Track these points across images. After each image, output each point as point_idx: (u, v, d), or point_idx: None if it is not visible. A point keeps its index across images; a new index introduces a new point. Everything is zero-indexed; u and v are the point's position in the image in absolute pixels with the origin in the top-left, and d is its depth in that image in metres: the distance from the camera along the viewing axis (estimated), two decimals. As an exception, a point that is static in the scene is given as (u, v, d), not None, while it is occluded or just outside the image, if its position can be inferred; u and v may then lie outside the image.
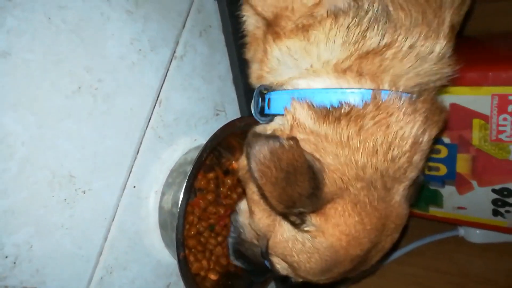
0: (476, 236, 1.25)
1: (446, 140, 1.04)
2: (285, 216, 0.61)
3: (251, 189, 0.68)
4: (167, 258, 0.87)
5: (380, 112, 0.57)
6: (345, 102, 0.57)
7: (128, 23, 0.78)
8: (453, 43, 0.65)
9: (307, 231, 0.60)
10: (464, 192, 1.06)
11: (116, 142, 0.77)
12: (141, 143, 0.81)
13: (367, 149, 0.56)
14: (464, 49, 0.82)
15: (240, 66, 0.96)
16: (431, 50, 0.61)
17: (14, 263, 0.65)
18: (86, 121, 0.73)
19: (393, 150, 0.57)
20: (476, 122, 1.00)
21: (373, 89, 0.58)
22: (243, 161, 0.72)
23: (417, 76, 0.61)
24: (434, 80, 0.63)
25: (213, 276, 0.88)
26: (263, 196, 0.56)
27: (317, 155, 0.57)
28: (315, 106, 0.59)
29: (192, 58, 0.90)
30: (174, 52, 0.87)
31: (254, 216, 0.68)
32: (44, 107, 0.67)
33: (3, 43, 0.62)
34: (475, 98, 1.00)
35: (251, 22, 0.74)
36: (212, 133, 0.80)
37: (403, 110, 0.57)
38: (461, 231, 1.27)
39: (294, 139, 0.52)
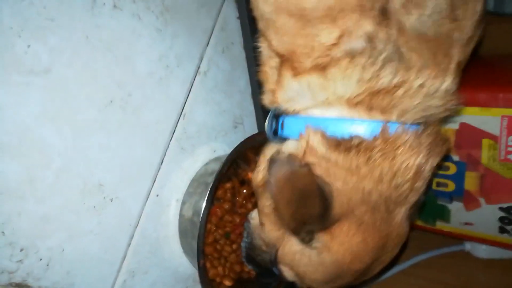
0: (482, 251, 1.26)
1: (455, 157, 1.06)
2: (295, 233, 0.66)
3: (263, 203, 0.73)
4: (185, 264, 0.91)
5: (387, 146, 0.62)
6: (355, 135, 0.63)
7: (157, 40, 0.82)
8: (459, 78, 0.69)
9: (314, 248, 0.65)
10: (472, 209, 1.07)
11: (143, 153, 0.81)
12: (165, 154, 0.85)
13: (373, 177, 0.61)
14: (475, 70, 0.84)
15: (258, 82, 1.00)
16: (438, 88, 0.65)
17: (48, 265, 0.69)
18: (116, 133, 0.77)
19: (397, 178, 0.62)
20: (485, 142, 1.01)
21: (382, 122, 0.63)
22: (257, 176, 0.77)
23: (423, 111, 0.66)
24: (438, 113, 0.68)
25: (227, 282, 0.91)
26: (277, 212, 0.62)
27: (327, 180, 0.62)
28: (327, 136, 0.64)
29: (215, 74, 0.94)
30: (199, 68, 0.91)
31: (264, 227, 0.73)
32: (79, 120, 0.71)
33: (46, 60, 0.66)
34: (484, 118, 1.01)
35: (265, 53, 0.78)
36: (231, 145, 0.84)
37: (408, 144, 0.62)
38: (467, 246, 1.28)
39: (307, 165, 0.58)
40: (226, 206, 0.96)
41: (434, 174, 0.68)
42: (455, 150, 1.06)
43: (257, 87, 1.00)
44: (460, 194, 1.08)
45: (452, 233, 1.15)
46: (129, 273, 0.81)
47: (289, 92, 0.71)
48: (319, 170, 0.62)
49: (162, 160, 0.85)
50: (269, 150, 0.77)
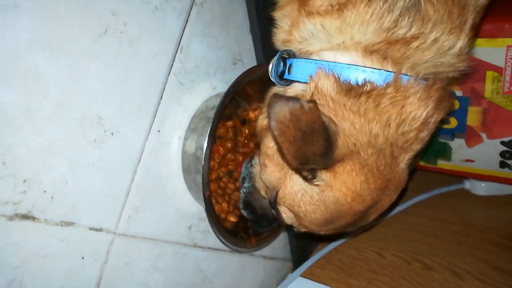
0: (481, 188, 1.29)
1: (458, 93, 1.05)
2: (297, 171, 0.66)
3: (266, 145, 0.72)
4: (190, 201, 0.91)
5: (398, 94, 0.62)
6: (369, 81, 0.62)
7: (150, -34, 0.78)
8: (473, 41, 0.70)
9: (316, 185, 0.65)
10: (473, 145, 1.08)
11: (141, 87, 0.79)
12: (164, 88, 0.83)
13: (381, 121, 0.62)
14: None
15: (257, 15, 0.96)
16: (453, 45, 0.66)
17: (52, 197, 0.68)
18: (113, 64, 0.74)
19: (404, 125, 0.63)
20: (489, 74, 1.00)
21: (395, 72, 0.63)
22: (260, 119, 0.77)
23: (434, 66, 0.66)
24: (448, 71, 0.68)
25: (232, 218, 0.92)
26: (280, 151, 0.61)
27: (334, 119, 0.61)
28: (341, 80, 0.63)
29: (211, 5, 0.90)
30: (195, -2, 0.87)
31: (266, 169, 0.73)
32: (74, 49, 0.68)
33: (34, -18, 0.62)
34: (489, 50, 0.99)
35: None
36: (231, 80, 0.82)
37: (418, 95, 0.63)
38: (467, 184, 1.31)
39: (313, 102, 0.56)
40: (229, 144, 0.95)
41: (438, 127, 0.69)
42: (458, 84, 1.05)
43: (256, 21, 0.96)
44: (462, 130, 1.08)
45: (453, 171, 1.16)
46: (133, 209, 0.81)
47: (305, 32, 0.70)
48: (326, 110, 0.62)
49: (162, 95, 0.83)
50: (276, 90, 0.76)
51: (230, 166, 0.96)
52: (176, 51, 0.84)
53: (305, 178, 0.66)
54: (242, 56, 0.99)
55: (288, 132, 0.54)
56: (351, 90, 0.62)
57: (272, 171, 0.72)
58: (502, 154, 1.05)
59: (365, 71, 0.64)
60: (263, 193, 0.80)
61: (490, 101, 1.01)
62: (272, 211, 0.76)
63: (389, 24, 0.63)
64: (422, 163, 1.20)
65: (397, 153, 0.65)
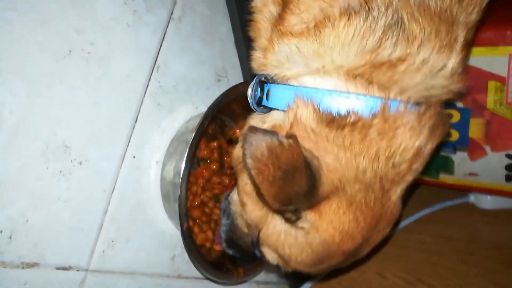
0: (487, 202, 1.23)
1: (459, 104, 1.01)
2: (279, 213, 0.62)
3: (244, 181, 0.68)
4: (171, 230, 0.85)
5: (387, 125, 0.57)
6: (352, 112, 0.57)
7: (120, -20, 0.72)
8: (466, 59, 0.65)
9: (300, 227, 0.60)
10: (477, 158, 1.03)
11: (113, 110, 0.73)
12: (139, 111, 0.77)
13: (369, 155, 0.57)
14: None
15: (242, 28, 0.91)
16: (443, 66, 0.60)
17: (10, 237, 0.62)
18: (79, 87, 0.68)
19: (394, 158, 0.58)
20: (491, 84, 0.96)
21: (381, 98, 0.57)
22: (236, 150, 0.71)
23: (426, 90, 0.61)
24: (441, 94, 0.63)
25: (218, 247, 0.86)
26: (258, 193, 0.56)
27: (316, 153, 0.56)
28: (320, 110, 0.58)
29: (192, 20, 0.85)
30: (172, 13, 0.81)
31: (246, 207, 0.68)
32: (32, 73, 0.63)
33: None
34: (491, 59, 0.95)
35: None
36: (215, 98, 0.76)
37: (409, 125, 0.58)
38: (472, 198, 1.25)
39: (293, 137, 0.52)
40: (214, 166, 0.90)
41: (432, 156, 0.64)
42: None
43: (240, 35, 0.91)
44: (464, 143, 1.03)
45: (456, 185, 1.11)
46: (107, 242, 0.75)
47: (280, 56, 0.64)
48: (307, 143, 0.57)
49: (136, 118, 0.77)
50: (253, 121, 0.71)
51: (216, 190, 0.90)
52: (152, 70, 0.79)
53: (288, 220, 0.61)
54: (227, 72, 0.94)
55: (266, 171, 0.49)
56: (332, 121, 0.57)
57: (252, 210, 0.67)
58: (508, 167, 1.00)
59: (348, 97, 0.58)
60: (245, 230, 0.74)
61: (493, 112, 0.97)
62: (255, 251, 0.70)
63: (372, 45, 0.57)
64: (424, 177, 1.15)
65: (388, 186, 0.60)
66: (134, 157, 0.77)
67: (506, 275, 1.03)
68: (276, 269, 0.73)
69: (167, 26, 0.81)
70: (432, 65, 0.59)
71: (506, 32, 0.93)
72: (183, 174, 0.71)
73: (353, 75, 0.59)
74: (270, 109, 0.67)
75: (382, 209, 0.60)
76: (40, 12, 0.62)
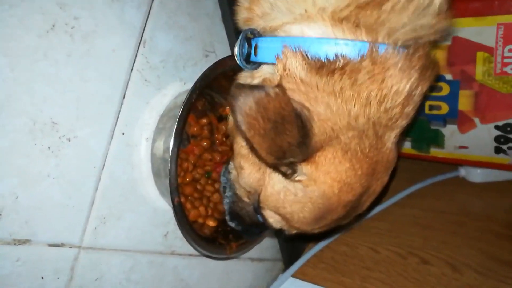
0: (477, 175, 1.24)
1: (448, 76, 1.00)
2: (275, 168, 0.61)
3: (239, 144, 0.67)
4: (164, 207, 0.85)
5: (376, 67, 0.56)
6: (341, 55, 0.55)
7: (102, -47, 0.71)
8: None
9: (298, 181, 0.60)
10: (466, 131, 1.03)
11: (100, 86, 0.72)
12: (127, 87, 0.76)
13: (360, 100, 0.56)
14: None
15: (229, 2, 0.89)
16: (430, 2, 0.59)
17: (0, 214, 0.62)
18: (64, 63, 0.67)
19: (386, 102, 0.57)
20: (480, 55, 0.96)
21: (369, 42, 0.56)
22: (230, 116, 0.70)
23: (414, 30, 0.60)
24: (429, 34, 0.62)
25: (211, 223, 0.86)
26: (252, 149, 0.55)
27: (307, 104, 0.55)
28: (309, 57, 0.56)
29: (177, -7, 0.83)
30: (157, -14, 0.80)
31: (243, 171, 0.67)
32: (16, 48, 0.62)
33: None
34: (479, 29, 0.95)
35: None
36: (201, 73, 0.75)
37: (399, 66, 0.56)
38: (462, 172, 1.26)
39: (280, 86, 0.50)
40: (204, 143, 0.89)
41: (424, 99, 0.63)
42: (448, 68, 1.00)
43: (227, 8, 0.90)
44: (454, 116, 1.03)
45: (446, 159, 1.11)
46: (99, 219, 0.74)
47: (264, 5, 0.62)
48: (297, 95, 0.56)
49: (124, 94, 0.76)
50: (242, 79, 0.69)
51: (208, 166, 0.90)
52: (139, 46, 0.78)
53: (285, 175, 0.60)
54: (215, 47, 0.93)
55: (256, 124, 0.48)
56: (322, 67, 0.55)
57: (249, 173, 0.66)
58: (497, 139, 1.00)
59: (337, 44, 0.56)
60: (246, 199, 0.74)
61: (482, 83, 0.96)
62: (258, 216, 0.70)
63: None
64: (414, 152, 1.15)
65: (382, 132, 0.59)
66: (123, 133, 0.76)
67: (496, 246, 1.04)
68: (276, 234, 0.72)
69: (152, 1, 0.79)
70: (418, 2, 0.57)
71: (494, 1, 0.92)
72: (172, 149, 0.71)
73: (339, 18, 0.57)
74: (259, 64, 0.66)
75: (377, 155, 0.59)
76: (19, -15, 0.61)
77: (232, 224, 0.79)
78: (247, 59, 0.66)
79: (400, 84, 0.57)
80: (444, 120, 1.05)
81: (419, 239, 1.11)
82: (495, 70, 0.94)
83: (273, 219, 0.68)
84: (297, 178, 0.59)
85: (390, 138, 0.61)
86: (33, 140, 0.64)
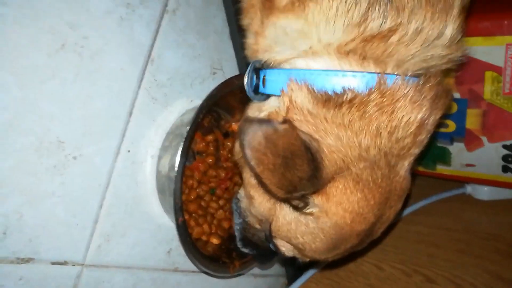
0: (484, 193, 1.23)
1: (456, 95, 1.00)
2: (286, 201, 0.61)
3: (248, 174, 0.66)
4: (167, 224, 0.84)
5: (385, 99, 0.55)
6: (348, 88, 0.55)
7: (112, -27, 0.71)
8: (464, 25, 0.61)
9: (310, 213, 0.59)
10: (474, 149, 1.03)
11: (107, 104, 0.73)
12: (133, 105, 0.77)
13: (370, 132, 0.55)
14: (477, -3, 0.77)
15: (237, 20, 0.89)
16: (440, 34, 0.58)
17: (4, 233, 0.62)
18: (72, 82, 0.68)
19: (397, 132, 0.56)
20: (488, 74, 0.95)
21: (378, 73, 0.55)
22: (237, 145, 0.70)
23: (424, 61, 0.59)
24: (440, 64, 0.61)
25: (215, 241, 0.86)
26: (261, 183, 0.54)
27: (316, 136, 0.55)
28: (315, 91, 0.56)
29: (186, 12, 0.84)
30: (166, 5, 0.80)
31: (254, 201, 0.67)
32: (25, 68, 0.62)
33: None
34: (488, 49, 0.94)
35: None
36: (209, 92, 0.75)
37: (409, 97, 0.55)
38: (468, 189, 1.25)
39: (288, 121, 0.50)
40: (209, 160, 0.89)
41: (437, 128, 0.62)
42: (456, 86, 1.00)
43: (235, 27, 0.90)
44: (461, 134, 1.02)
45: (453, 176, 1.11)
46: (103, 236, 0.74)
47: (269, 39, 0.63)
48: (305, 126, 0.55)
49: (131, 112, 0.76)
50: (251, 111, 0.70)
51: (212, 183, 0.90)
52: (147, 64, 0.78)
53: (296, 208, 0.60)
54: (222, 64, 0.93)
55: (266, 159, 0.48)
56: (329, 100, 0.55)
57: (260, 202, 0.65)
58: (505, 158, 1.00)
59: (344, 76, 0.56)
60: (257, 226, 0.73)
61: (490, 102, 0.96)
62: (270, 245, 0.69)
63: (359, 17, 0.54)
64: (420, 168, 1.15)
65: (394, 161, 0.58)
66: (129, 151, 0.77)
67: (503, 266, 1.02)
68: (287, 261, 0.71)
69: (161, 19, 0.79)
70: (427, 34, 0.57)
71: (503, 21, 0.92)
72: (178, 167, 0.70)
73: (345, 52, 0.57)
74: (268, 96, 0.66)
75: (390, 184, 0.58)
76: (32, 6, 0.62)
77: (245, 251, 0.78)
78: (255, 90, 0.66)
79: (411, 115, 0.56)
80: (451, 138, 1.04)
81: (424, 257, 1.10)
82: (504, 89, 0.94)
83: (285, 248, 0.67)
84: (308, 211, 0.59)
85: (404, 166, 0.60)
86: (39, 159, 0.65)
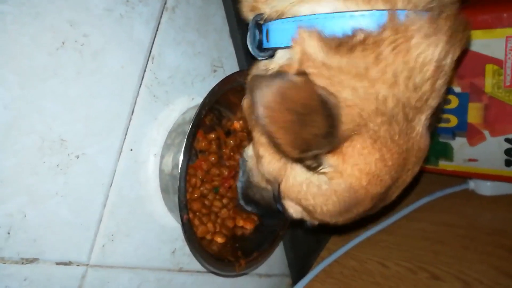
0: (487, 188, 1.23)
1: (457, 89, 1.00)
2: (299, 161, 0.57)
3: (259, 132, 0.63)
4: (171, 223, 0.84)
5: (399, 36, 0.50)
6: (359, 29, 0.51)
7: (112, -29, 0.71)
8: None
9: (323, 173, 0.56)
10: (476, 143, 1.03)
11: (109, 103, 0.72)
12: (135, 103, 0.76)
13: (387, 80, 0.50)
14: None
15: (237, 17, 0.90)
16: None
17: (8, 233, 0.61)
18: (74, 80, 0.67)
19: (415, 78, 0.51)
20: (489, 68, 0.95)
21: (388, 10, 0.50)
22: (246, 102, 0.67)
23: None
24: None
25: (219, 239, 0.85)
26: (274, 144, 0.50)
27: (332, 90, 0.50)
28: (325, 36, 0.52)
29: (185, 10, 0.83)
30: (165, 3, 0.80)
31: (263, 160, 0.63)
32: (26, 66, 0.61)
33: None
34: (488, 42, 0.94)
35: None
36: (210, 89, 0.75)
37: (423, 31, 0.50)
38: (471, 184, 1.25)
39: (304, 73, 0.47)
40: (212, 158, 0.89)
41: (455, 69, 0.57)
42: (457, 80, 0.99)
43: (235, 24, 0.90)
44: (463, 128, 1.02)
45: (455, 171, 1.10)
46: (108, 236, 0.74)
47: None
48: (321, 81, 0.51)
49: (133, 110, 0.76)
50: (257, 70, 0.65)
51: (215, 182, 0.89)
52: (147, 62, 0.78)
53: (309, 167, 0.56)
54: (223, 62, 0.92)
55: (280, 117, 0.45)
56: (340, 45, 0.50)
57: (269, 162, 0.62)
58: (507, 152, 1.00)
59: (352, 17, 0.51)
60: (263, 184, 0.70)
61: (491, 96, 0.96)
62: (277, 205, 0.66)
63: None
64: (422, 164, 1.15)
65: (412, 115, 0.53)
66: (131, 150, 0.76)
67: (509, 261, 1.02)
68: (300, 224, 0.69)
69: (161, 17, 0.79)
70: None
71: (503, 14, 0.92)
72: (181, 165, 0.70)
73: None
74: (273, 51, 0.61)
75: (408, 142, 0.54)
76: (32, 4, 0.61)
77: (248, 208, 0.76)
78: (259, 46, 0.62)
79: (427, 52, 0.51)
80: (453, 133, 1.04)
81: (429, 254, 1.09)
82: (505, 82, 0.94)
83: (294, 210, 0.65)
84: (322, 171, 0.56)
85: (421, 121, 0.55)
86: (42, 158, 0.64)
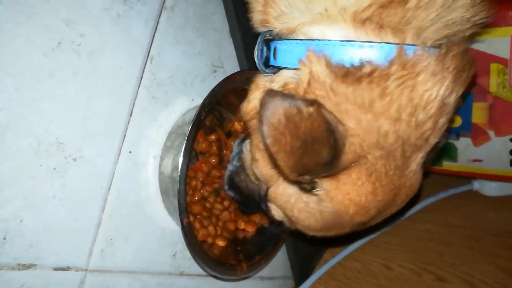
0: (491, 189, 1.22)
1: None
2: (294, 183, 0.58)
3: (258, 138, 0.63)
4: (172, 226, 0.82)
5: (406, 72, 0.50)
6: (367, 61, 0.51)
7: (109, -31, 0.70)
8: None
9: (314, 194, 0.57)
10: (480, 144, 1.02)
11: (106, 104, 0.71)
12: (134, 104, 0.75)
13: (390, 114, 0.51)
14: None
15: (237, 16, 0.88)
16: None
17: (4, 238, 0.60)
18: (71, 81, 0.66)
19: (418, 114, 0.52)
20: (493, 67, 0.94)
21: (397, 44, 0.51)
22: (247, 106, 0.67)
23: (445, 27, 0.54)
24: (464, 29, 0.56)
25: (221, 243, 0.83)
26: (273, 162, 0.51)
27: (339, 116, 0.51)
28: (333, 64, 0.52)
29: (184, 9, 0.82)
30: (164, 2, 0.78)
31: (257, 163, 0.64)
32: (21, 67, 0.60)
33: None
34: (492, 40, 0.93)
35: None
36: (211, 89, 0.74)
37: (430, 69, 0.51)
38: (476, 185, 1.24)
39: (315, 103, 0.46)
40: (213, 160, 0.87)
41: (457, 107, 0.57)
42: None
43: (235, 23, 0.88)
44: (467, 129, 1.01)
45: (460, 172, 1.09)
46: (107, 240, 0.72)
47: (281, 4, 0.58)
48: (329, 104, 0.51)
49: (131, 111, 0.74)
50: (261, 80, 0.65)
51: (216, 184, 0.88)
52: (146, 62, 0.76)
53: (302, 189, 0.57)
54: (223, 62, 0.91)
55: (283, 140, 0.45)
56: (347, 75, 0.51)
57: (263, 166, 0.63)
58: (513, 152, 0.98)
59: (361, 47, 0.51)
60: (253, 178, 0.71)
61: (496, 95, 0.95)
62: (261, 204, 0.67)
63: None
64: (426, 165, 1.13)
65: (410, 152, 0.54)
66: (130, 152, 0.75)
67: (513, 261, 1.01)
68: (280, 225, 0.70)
69: (159, 16, 0.78)
70: None
71: (507, 12, 0.91)
72: (181, 168, 0.69)
73: (361, 20, 0.53)
74: (279, 69, 0.61)
75: (401, 179, 0.55)
76: (27, 4, 0.60)
77: (230, 193, 0.77)
78: (266, 63, 0.62)
79: (432, 91, 0.51)
80: (457, 133, 1.03)
81: (433, 255, 1.08)
82: (510, 82, 0.93)
83: (277, 213, 0.66)
84: (314, 192, 0.57)
85: (417, 158, 0.56)
86: (38, 161, 0.63)
